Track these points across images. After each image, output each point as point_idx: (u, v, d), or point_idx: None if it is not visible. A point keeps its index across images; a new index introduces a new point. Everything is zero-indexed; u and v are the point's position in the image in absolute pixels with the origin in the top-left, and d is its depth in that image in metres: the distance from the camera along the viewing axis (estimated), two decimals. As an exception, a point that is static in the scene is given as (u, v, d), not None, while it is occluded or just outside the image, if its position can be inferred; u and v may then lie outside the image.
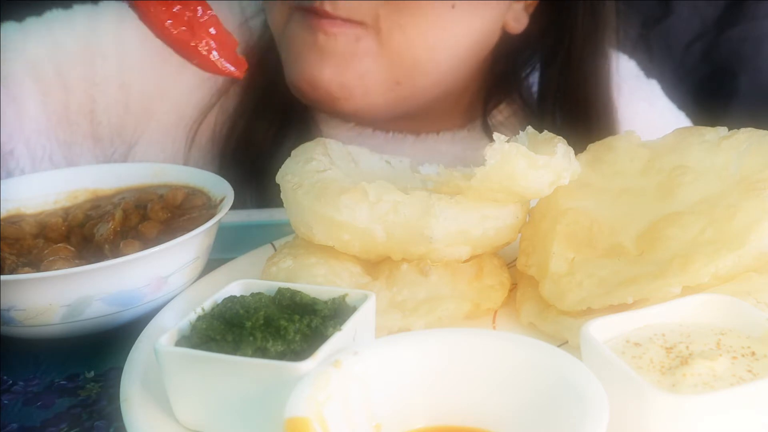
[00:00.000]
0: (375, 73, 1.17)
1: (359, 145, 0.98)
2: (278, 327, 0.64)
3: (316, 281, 0.79)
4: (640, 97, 1.48)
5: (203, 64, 0.80)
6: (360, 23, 1.13)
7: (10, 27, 1.30)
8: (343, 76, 1.16)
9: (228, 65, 0.81)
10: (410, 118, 1.31)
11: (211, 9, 0.80)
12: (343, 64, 1.15)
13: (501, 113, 1.40)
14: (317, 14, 1.12)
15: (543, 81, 1.40)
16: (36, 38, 1.29)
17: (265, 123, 1.31)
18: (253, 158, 1.28)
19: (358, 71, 1.16)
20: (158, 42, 0.82)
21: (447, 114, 1.37)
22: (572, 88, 1.35)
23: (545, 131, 0.86)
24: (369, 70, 1.16)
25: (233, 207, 0.91)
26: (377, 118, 1.29)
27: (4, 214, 0.97)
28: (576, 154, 0.83)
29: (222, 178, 0.98)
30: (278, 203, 0.85)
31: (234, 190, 0.94)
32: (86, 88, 1.30)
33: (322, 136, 1.28)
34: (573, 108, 1.35)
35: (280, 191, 0.85)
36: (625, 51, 1.52)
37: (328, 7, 1.11)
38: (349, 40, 1.14)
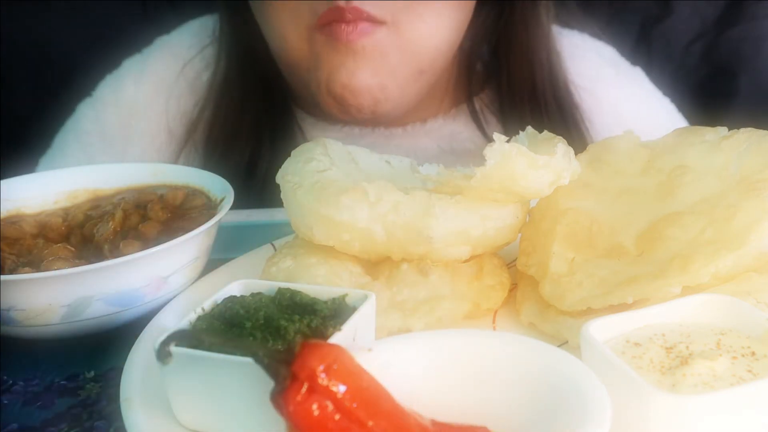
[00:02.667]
0: (404, 67, 1.21)
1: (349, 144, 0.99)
2: (278, 327, 0.64)
3: (316, 281, 0.78)
4: (621, 84, 1.48)
5: None
6: (382, 22, 1.17)
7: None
8: (380, 76, 1.19)
9: None
10: None
11: None
12: (377, 65, 1.19)
13: (480, 100, 1.43)
14: (342, 20, 1.14)
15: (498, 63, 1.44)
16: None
17: (248, 142, 1.35)
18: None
19: (389, 68, 1.20)
20: None
21: (432, 101, 1.40)
22: (513, 63, 1.39)
23: (545, 131, 0.86)
24: (398, 64, 1.20)
25: (233, 207, 0.91)
26: (402, 113, 1.32)
27: (4, 214, 0.97)
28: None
29: (222, 179, 0.98)
30: (278, 203, 0.85)
31: None
32: None
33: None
34: (519, 88, 1.39)
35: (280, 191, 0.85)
36: (624, 51, 1.53)
37: (354, 5, 1.14)
38: (377, 41, 1.17)
